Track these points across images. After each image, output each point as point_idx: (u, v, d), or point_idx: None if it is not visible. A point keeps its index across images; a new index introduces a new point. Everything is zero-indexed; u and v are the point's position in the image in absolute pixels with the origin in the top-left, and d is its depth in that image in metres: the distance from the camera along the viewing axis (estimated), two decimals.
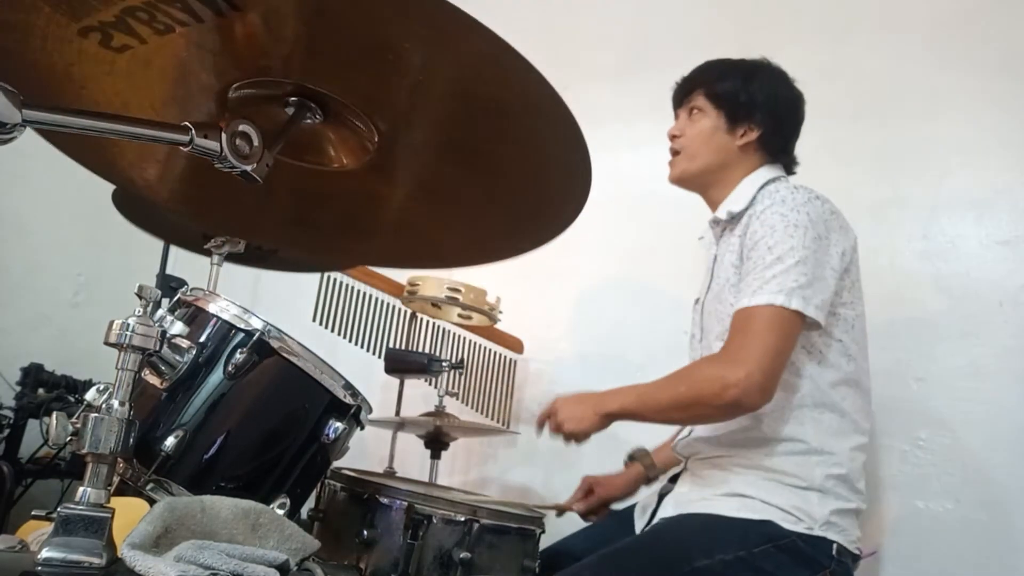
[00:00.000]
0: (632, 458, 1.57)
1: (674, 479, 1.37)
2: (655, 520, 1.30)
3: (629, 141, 2.13)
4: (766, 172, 1.35)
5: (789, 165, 1.41)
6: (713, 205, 1.40)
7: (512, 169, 0.79)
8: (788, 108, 1.38)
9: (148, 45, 0.65)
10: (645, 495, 1.44)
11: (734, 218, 1.33)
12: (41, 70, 0.68)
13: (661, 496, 1.35)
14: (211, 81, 0.71)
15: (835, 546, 1.16)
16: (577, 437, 1.27)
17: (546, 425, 1.32)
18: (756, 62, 1.39)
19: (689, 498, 1.27)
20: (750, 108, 1.35)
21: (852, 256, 1.25)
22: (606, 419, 1.25)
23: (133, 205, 1.49)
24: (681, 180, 1.42)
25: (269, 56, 0.68)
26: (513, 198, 0.85)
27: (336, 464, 1.29)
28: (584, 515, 1.56)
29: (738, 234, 1.30)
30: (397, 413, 2.00)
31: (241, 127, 0.66)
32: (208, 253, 1.49)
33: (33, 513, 1.13)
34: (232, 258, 1.52)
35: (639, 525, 1.36)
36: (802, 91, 1.39)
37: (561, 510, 1.59)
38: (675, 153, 1.42)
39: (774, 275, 1.16)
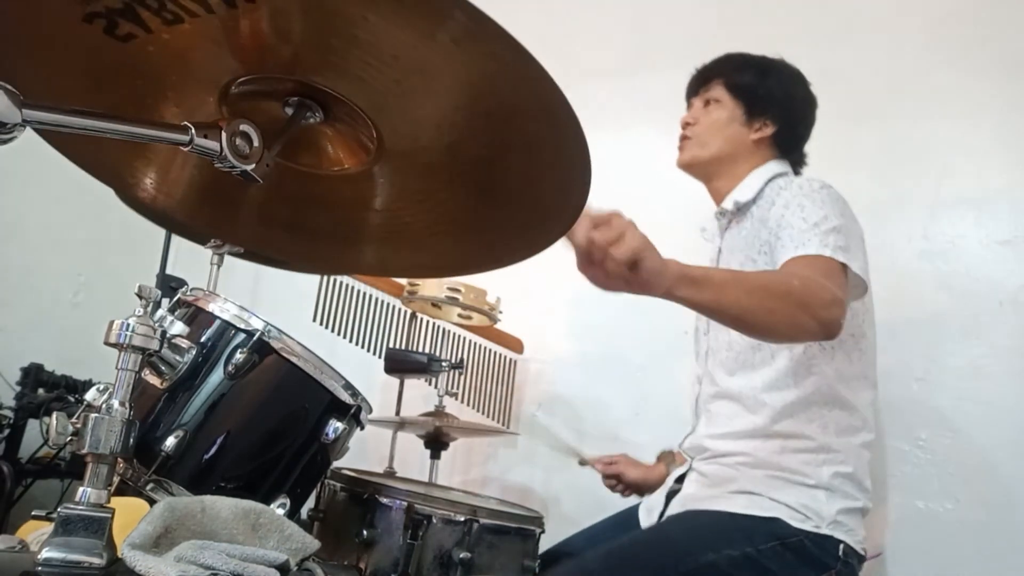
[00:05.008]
0: (659, 458, 1.59)
1: (680, 479, 1.36)
2: (663, 520, 1.29)
3: (629, 141, 2.13)
4: (775, 166, 1.36)
5: (797, 163, 1.42)
6: (717, 196, 1.41)
7: (513, 175, 0.77)
8: (803, 109, 1.39)
9: (154, 35, 0.64)
10: (649, 497, 1.43)
11: (740, 209, 1.34)
12: (41, 57, 0.68)
13: (668, 497, 1.34)
14: (214, 75, 0.71)
15: (842, 546, 1.16)
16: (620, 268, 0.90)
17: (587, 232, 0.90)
18: (775, 60, 1.40)
19: (696, 497, 1.27)
20: (767, 103, 1.36)
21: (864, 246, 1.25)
22: (666, 289, 0.95)
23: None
24: (690, 166, 1.41)
25: (275, 52, 0.68)
26: (512, 205, 0.82)
27: (336, 464, 1.29)
28: (605, 477, 1.61)
29: (748, 227, 1.30)
30: (397, 413, 2.00)
31: (241, 127, 0.66)
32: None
33: (33, 513, 1.13)
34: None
35: (645, 525, 1.35)
36: (816, 95, 1.39)
37: (583, 462, 1.64)
38: (685, 139, 1.41)
39: (815, 234, 1.14)
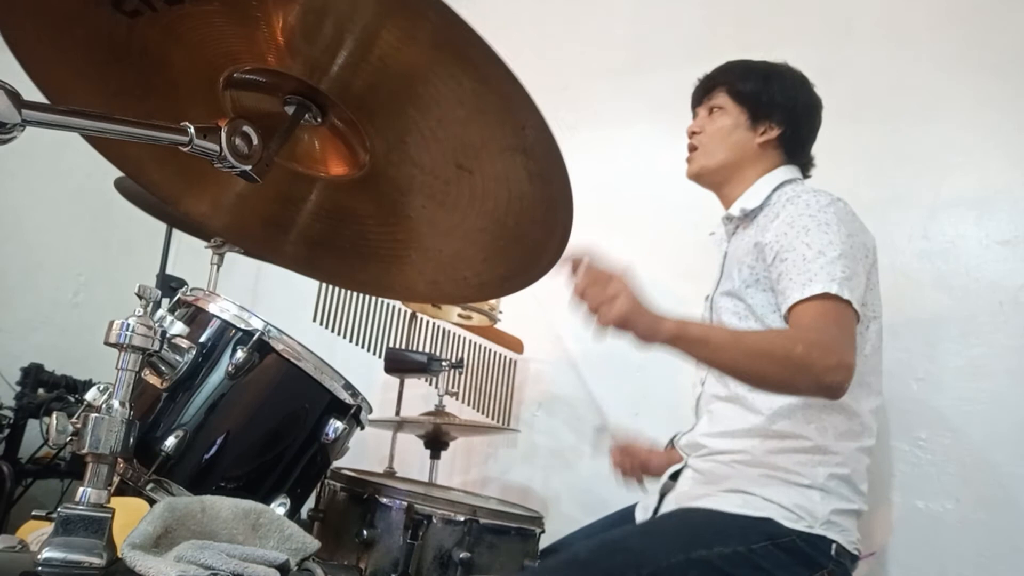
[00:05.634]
0: (672, 444, 1.57)
1: (675, 477, 1.37)
2: (656, 516, 1.30)
3: (630, 141, 2.13)
4: (783, 172, 1.36)
5: (806, 167, 1.42)
6: (727, 202, 1.41)
7: (496, 205, 0.78)
8: (807, 111, 1.39)
9: (159, 14, 0.65)
10: (645, 496, 1.43)
11: (747, 215, 1.34)
12: (52, 35, 0.68)
13: (662, 495, 1.35)
14: (213, 61, 0.71)
15: (834, 546, 1.16)
16: (607, 327, 1.06)
17: (581, 285, 1.08)
18: (778, 65, 1.40)
19: (691, 495, 1.27)
20: (771, 107, 1.36)
21: (873, 258, 1.26)
22: (662, 343, 1.06)
23: (136, 190, 1.50)
24: (699, 176, 1.42)
25: (274, 49, 0.68)
26: (495, 235, 0.84)
27: (336, 464, 1.29)
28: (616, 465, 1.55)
29: (753, 234, 1.30)
30: (397, 413, 2.00)
31: (241, 127, 0.66)
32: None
33: (33, 513, 1.13)
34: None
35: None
36: (821, 97, 1.39)
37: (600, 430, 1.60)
38: (692, 149, 1.42)
39: (821, 266, 1.14)
